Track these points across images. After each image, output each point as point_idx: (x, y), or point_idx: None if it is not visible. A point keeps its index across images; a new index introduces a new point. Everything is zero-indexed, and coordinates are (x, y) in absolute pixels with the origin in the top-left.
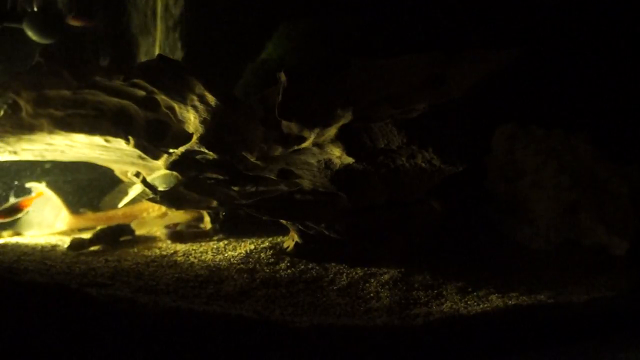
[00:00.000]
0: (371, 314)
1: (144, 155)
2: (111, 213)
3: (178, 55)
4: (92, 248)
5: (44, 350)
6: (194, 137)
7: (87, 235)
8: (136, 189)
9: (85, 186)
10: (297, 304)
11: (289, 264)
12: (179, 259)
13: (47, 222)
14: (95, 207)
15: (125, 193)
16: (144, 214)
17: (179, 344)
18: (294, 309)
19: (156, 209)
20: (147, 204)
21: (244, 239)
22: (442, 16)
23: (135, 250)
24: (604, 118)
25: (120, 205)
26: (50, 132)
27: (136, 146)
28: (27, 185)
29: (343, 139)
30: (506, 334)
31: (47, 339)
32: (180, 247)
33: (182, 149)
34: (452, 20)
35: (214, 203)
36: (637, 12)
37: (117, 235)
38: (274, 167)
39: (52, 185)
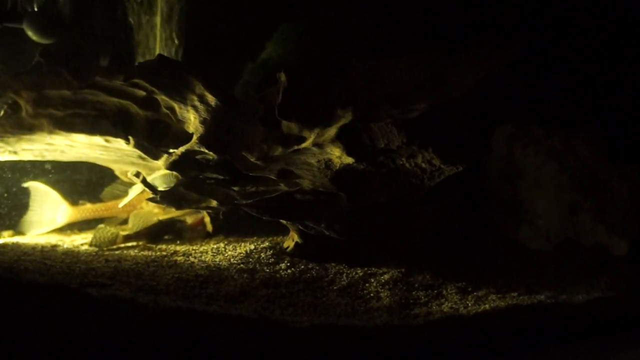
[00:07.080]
0: (371, 314)
1: (144, 155)
2: (110, 204)
3: (178, 55)
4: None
5: (44, 350)
6: (194, 137)
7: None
8: (136, 188)
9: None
10: (297, 304)
11: (289, 264)
12: (179, 259)
13: (48, 219)
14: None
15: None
16: (143, 204)
17: (179, 344)
18: (294, 309)
19: None
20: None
21: (244, 239)
22: (442, 16)
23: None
24: (604, 118)
25: (121, 205)
26: (50, 132)
27: (136, 146)
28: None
29: (343, 139)
30: (506, 334)
31: (47, 339)
32: (180, 247)
33: (182, 149)
34: (452, 20)
35: (214, 203)
36: (637, 12)
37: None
38: (274, 167)
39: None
